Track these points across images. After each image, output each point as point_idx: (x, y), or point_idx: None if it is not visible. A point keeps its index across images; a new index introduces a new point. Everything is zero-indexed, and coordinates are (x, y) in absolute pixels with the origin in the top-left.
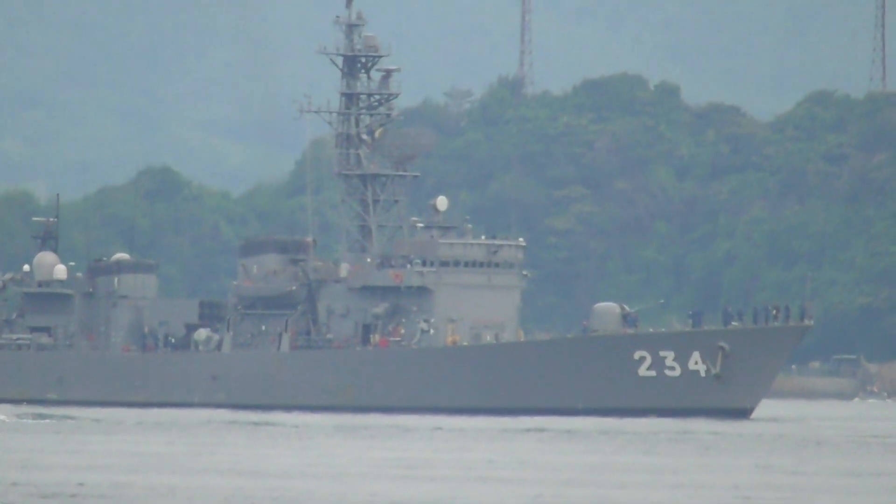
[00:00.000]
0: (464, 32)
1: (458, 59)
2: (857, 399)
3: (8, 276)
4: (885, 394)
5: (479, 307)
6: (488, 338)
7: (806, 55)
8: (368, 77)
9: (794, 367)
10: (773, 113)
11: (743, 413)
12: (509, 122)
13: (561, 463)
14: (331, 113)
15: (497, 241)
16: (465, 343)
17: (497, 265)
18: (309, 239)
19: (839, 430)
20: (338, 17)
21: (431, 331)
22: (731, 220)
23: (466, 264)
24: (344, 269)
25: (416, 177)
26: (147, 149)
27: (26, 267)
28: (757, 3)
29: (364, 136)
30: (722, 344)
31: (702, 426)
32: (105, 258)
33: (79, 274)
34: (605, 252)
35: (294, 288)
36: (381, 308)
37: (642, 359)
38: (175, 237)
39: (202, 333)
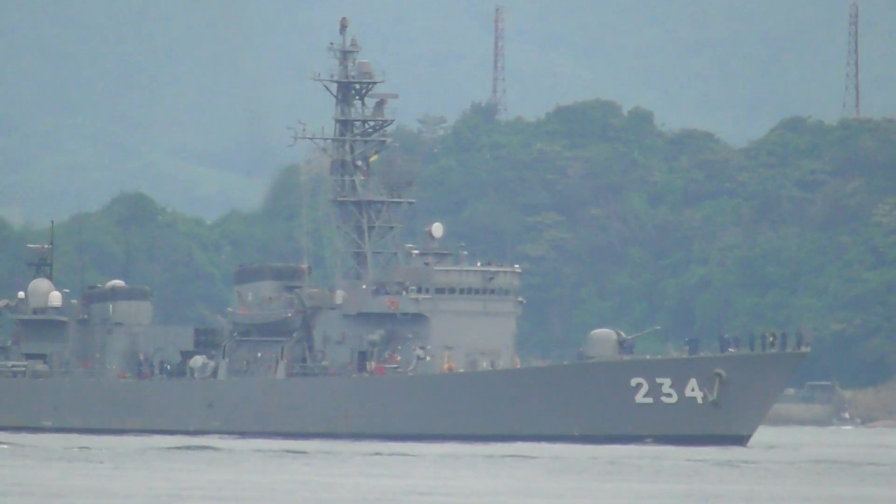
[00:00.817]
0: (437, 59)
1: (431, 85)
2: (832, 426)
3: (2, 302)
4: (859, 420)
5: (475, 334)
6: (484, 364)
7: (779, 81)
8: (363, 103)
9: None
10: (746, 139)
11: (740, 440)
12: (482, 149)
13: (492, 488)
14: (325, 140)
15: (493, 268)
16: (461, 370)
17: (493, 292)
18: (304, 266)
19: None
20: (332, 43)
21: (427, 358)
22: (705, 247)
23: (462, 291)
24: (339, 296)
25: (411, 203)
26: (120, 175)
27: (21, 294)
28: (730, 29)
29: (359, 163)
30: (719, 371)
31: (688, 454)
32: (99, 285)
33: (74, 301)
34: (578, 278)
35: (289, 315)
36: (376, 335)
37: (639, 385)
38: (148, 264)
39: (198, 360)
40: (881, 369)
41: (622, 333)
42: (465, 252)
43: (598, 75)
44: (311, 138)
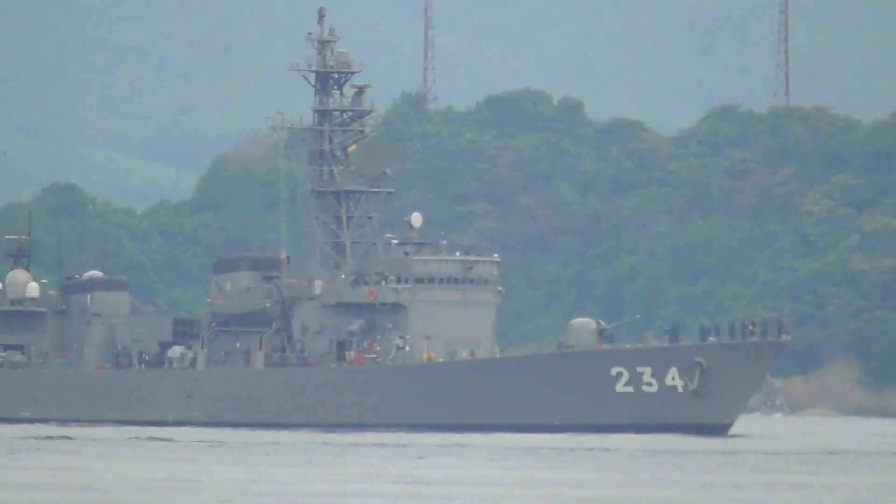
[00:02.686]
0: (367, 48)
1: (361, 74)
2: (758, 413)
3: None
4: (788, 409)
5: (454, 323)
6: (464, 354)
7: (709, 70)
8: (341, 93)
9: None
10: (676, 128)
11: (721, 429)
12: (413, 138)
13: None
14: (304, 129)
15: (472, 258)
16: (440, 360)
17: (472, 281)
18: (282, 256)
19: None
20: (310, 33)
21: (407, 347)
22: (635, 236)
23: (441, 281)
24: (318, 286)
25: (389, 193)
26: (51, 166)
27: None
28: (661, 19)
29: (337, 153)
30: (699, 359)
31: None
32: (77, 275)
33: (51, 291)
34: (508, 268)
35: (268, 305)
36: (355, 325)
37: (619, 374)
38: (79, 254)
39: (176, 350)
40: (811, 358)
41: (602, 322)
42: (445, 241)
43: (528, 65)
44: (289, 128)
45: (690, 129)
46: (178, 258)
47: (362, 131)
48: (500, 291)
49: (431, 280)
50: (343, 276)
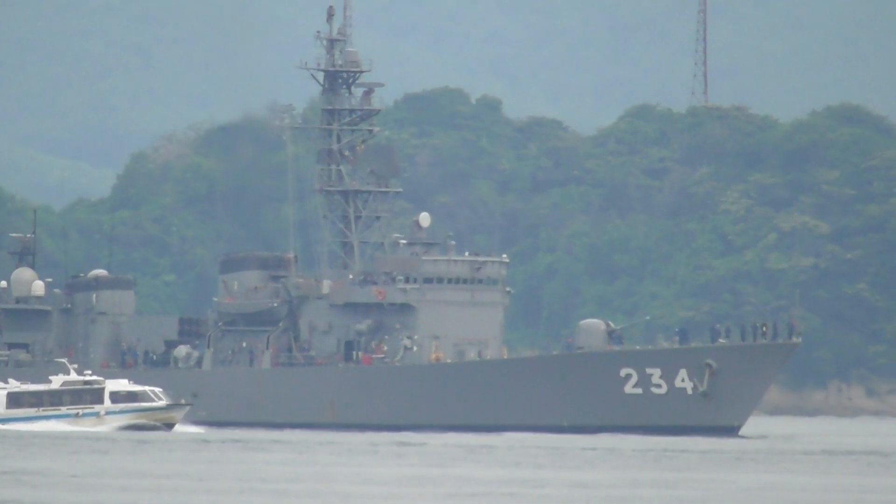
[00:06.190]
0: (284, 46)
1: (278, 72)
2: None
3: None
4: None
5: (462, 324)
6: (472, 355)
7: (628, 69)
8: (350, 93)
9: None
10: (594, 126)
11: (731, 430)
12: None
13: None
14: (312, 128)
15: (481, 258)
16: (448, 360)
17: (480, 282)
18: (290, 255)
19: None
20: (318, 32)
21: (415, 348)
22: (553, 234)
23: (450, 281)
24: (326, 286)
25: (398, 193)
26: None
27: (3, 283)
28: (579, 17)
29: (346, 153)
30: (709, 361)
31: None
32: (83, 274)
33: (57, 290)
34: None
35: (275, 304)
36: (363, 325)
37: (628, 376)
38: None
39: (182, 350)
40: None
41: (611, 324)
42: (454, 242)
43: (446, 63)
44: (297, 126)
45: (608, 128)
46: (96, 256)
47: (370, 131)
48: (508, 292)
49: (440, 280)
50: (351, 276)
